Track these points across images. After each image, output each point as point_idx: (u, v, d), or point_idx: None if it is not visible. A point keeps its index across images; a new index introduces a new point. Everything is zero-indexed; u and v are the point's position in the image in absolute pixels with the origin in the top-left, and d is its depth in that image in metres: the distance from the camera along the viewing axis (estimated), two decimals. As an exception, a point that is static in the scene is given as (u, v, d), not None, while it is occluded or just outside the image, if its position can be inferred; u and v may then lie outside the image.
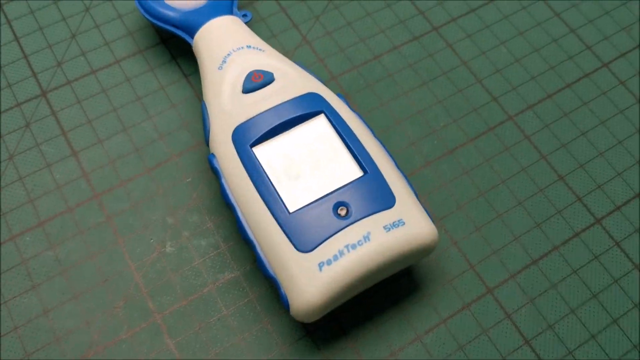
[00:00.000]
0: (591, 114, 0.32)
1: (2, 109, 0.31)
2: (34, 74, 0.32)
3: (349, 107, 0.28)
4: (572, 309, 0.27)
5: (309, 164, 0.26)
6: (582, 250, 0.29)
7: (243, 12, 0.31)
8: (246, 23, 0.30)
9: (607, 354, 0.26)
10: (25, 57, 0.32)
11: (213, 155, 0.27)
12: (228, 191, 0.26)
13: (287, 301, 0.24)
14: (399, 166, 0.27)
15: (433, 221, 0.28)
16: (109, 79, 0.32)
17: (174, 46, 0.33)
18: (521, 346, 0.26)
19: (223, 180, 0.26)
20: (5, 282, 0.27)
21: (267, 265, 0.24)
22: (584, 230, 0.29)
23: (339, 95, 0.28)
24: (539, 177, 0.30)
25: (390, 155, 0.27)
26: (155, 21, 0.30)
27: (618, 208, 0.30)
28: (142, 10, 0.31)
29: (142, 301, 0.27)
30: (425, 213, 0.25)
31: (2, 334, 0.26)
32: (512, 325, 0.27)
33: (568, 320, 0.27)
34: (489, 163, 0.31)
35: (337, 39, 0.33)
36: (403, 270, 0.28)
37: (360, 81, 0.32)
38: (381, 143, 0.27)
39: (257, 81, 0.27)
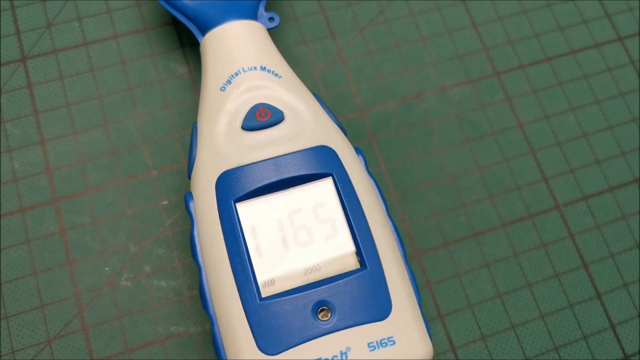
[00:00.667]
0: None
1: (-27, 68, 0.26)
2: (18, 32, 0.27)
3: (366, 168, 0.23)
4: None
5: (300, 237, 0.21)
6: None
7: (270, 14, 0.25)
8: (271, 29, 0.25)
9: None
10: (13, 8, 0.27)
11: (190, 195, 0.22)
12: (197, 247, 0.21)
13: None
14: (406, 257, 0.22)
15: (430, 328, 0.24)
16: (102, 56, 0.27)
17: (187, 32, 0.28)
18: None
19: (195, 231, 0.21)
20: None
21: (222, 352, 0.20)
22: (608, 367, 0.24)
23: (357, 149, 0.23)
24: (573, 290, 0.25)
25: (400, 242, 0.22)
26: (164, 4, 0.25)
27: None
28: None
29: (80, 341, 0.23)
30: (424, 328, 0.21)
31: None
32: None
33: None
34: (518, 258, 0.26)
35: (379, 61, 0.28)
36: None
37: (392, 122, 0.27)
38: (393, 224, 0.22)
39: (262, 119, 0.22)
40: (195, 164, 0.22)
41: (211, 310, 0.21)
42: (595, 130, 0.28)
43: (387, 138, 0.27)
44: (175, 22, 0.28)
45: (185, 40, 0.27)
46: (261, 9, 0.25)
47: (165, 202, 0.25)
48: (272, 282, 0.21)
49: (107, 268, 0.24)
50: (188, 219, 0.25)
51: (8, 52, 0.27)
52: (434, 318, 0.24)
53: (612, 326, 0.25)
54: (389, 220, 0.22)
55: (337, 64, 0.28)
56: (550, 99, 0.28)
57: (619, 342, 0.25)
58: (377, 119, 0.27)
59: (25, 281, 0.24)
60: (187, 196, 0.22)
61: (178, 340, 0.23)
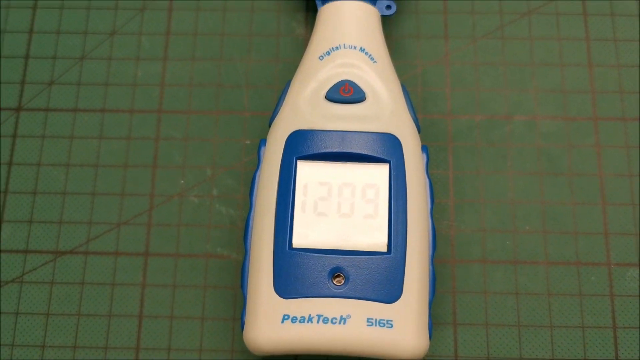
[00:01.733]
0: None
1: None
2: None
3: (426, 166, 0.24)
4: None
5: (343, 208, 0.23)
6: None
7: (389, 2, 0.27)
8: (387, 15, 0.27)
9: None
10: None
11: (264, 141, 0.25)
12: (255, 186, 0.24)
13: (243, 324, 0.23)
14: (433, 257, 0.23)
15: (432, 331, 0.25)
16: None
17: (315, -3, 0.30)
18: None
19: (257, 173, 0.24)
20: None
21: (245, 283, 0.23)
22: None
23: (424, 147, 0.24)
24: (594, 347, 0.25)
25: (433, 243, 0.23)
26: None
27: None
28: None
29: (141, 233, 0.27)
30: (425, 325, 0.22)
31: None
32: None
33: None
34: (550, 298, 0.26)
35: (481, 73, 0.29)
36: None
37: (474, 133, 0.28)
38: (432, 224, 0.23)
39: (345, 94, 0.24)
40: (276, 117, 0.25)
41: (248, 244, 0.23)
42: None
43: (464, 147, 0.28)
44: (308, -14, 0.30)
45: (311, 5, 0.30)
46: None
47: (247, 142, 0.28)
48: (305, 236, 0.23)
49: (182, 181, 0.27)
50: (261, 162, 0.28)
51: (162, -24, 0.30)
52: (447, 323, 0.26)
53: (622, 395, 0.25)
54: (430, 220, 0.23)
55: (440, 65, 0.29)
56: (641, 159, 0.27)
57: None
58: (460, 126, 0.28)
59: (114, 170, 0.28)
60: (262, 142, 0.25)
61: (219, 262, 0.26)
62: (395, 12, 0.28)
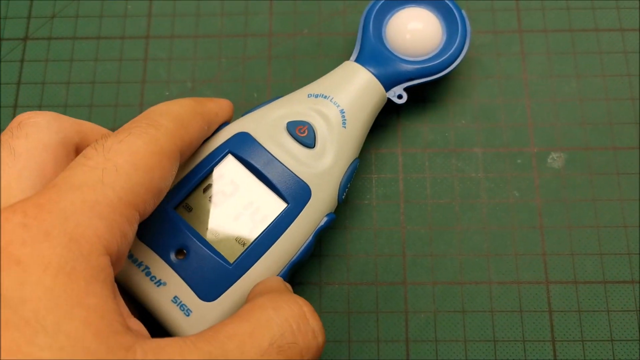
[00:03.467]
0: None
1: None
2: None
3: (317, 230, 0.26)
4: None
5: (230, 210, 0.25)
6: None
7: (401, 93, 0.29)
8: (397, 104, 0.30)
9: None
10: None
11: (227, 123, 0.27)
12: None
13: None
14: (287, 273, 0.25)
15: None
16: None
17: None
18: None
19: (207, 140, 0.26)
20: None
21: None
22: None
23: (330, 216, 0.26)
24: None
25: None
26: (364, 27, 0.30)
27: None
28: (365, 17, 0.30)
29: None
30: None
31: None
32: None
33: None
34: (493, 315, 0.30)
35: None
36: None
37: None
38: (285, 272, 0.25)
39: (300, 134, 0.26)
40: (248, 114, 0.27)
41: None
42: None
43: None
44: None
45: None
46: (404, 84, 0.29)
47: (222, 60, 0.32)
48: (189, 208, 0.25)
49: (167, 93, 0.32)
50: (235, 75, 0.32)
51: None
52: (401, 340, 0.29)
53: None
54: (285, 270, 0.25)
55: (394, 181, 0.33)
56: None
57: None
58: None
59: (109, 86, 0.32)
60: (226, 123, 0.27)
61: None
62: (405, 102, 0.29)
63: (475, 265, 0.29)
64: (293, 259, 0.25)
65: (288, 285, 0.24)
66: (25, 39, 0.33)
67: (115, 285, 0.20)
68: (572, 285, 0.29)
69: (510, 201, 0.30)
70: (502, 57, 0.32)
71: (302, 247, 0.25)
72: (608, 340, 0.28)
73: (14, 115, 0.31)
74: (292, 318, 0.20)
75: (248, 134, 0.26)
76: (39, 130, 0.22)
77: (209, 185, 0.26)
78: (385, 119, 0.31)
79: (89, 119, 0.31)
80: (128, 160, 0.20)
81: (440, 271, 0.29)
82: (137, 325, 0.20)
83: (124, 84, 0.32)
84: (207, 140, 0.26)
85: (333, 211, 0.27)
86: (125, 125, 0.22)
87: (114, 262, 0.19)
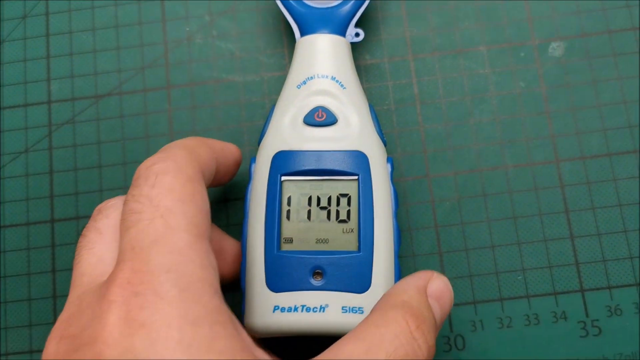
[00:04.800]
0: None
1: None
2: None
3: (391, 176, 0.28)
4: None
5: (321, 215, 0.27)
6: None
7: (358, 30, 0.31)
8: (355, 42, 0.31)
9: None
10: None
11: (254, 159, 0.29)
12: (248, 198, 0.28)
13: (243, 312, 0.27)
14: (398, 253, 0.28)
15: None
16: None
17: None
18: None
19: (249, 187, 0.28)
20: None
21: (243, 278, 0.27)
22: None
23: (389, 159, 0.29)
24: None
25: (398, 240, 0.28)
26: (280, 4, 0.31)
27: None
28: None
29: (161, 74, 0.33)
30: None
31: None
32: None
33: None
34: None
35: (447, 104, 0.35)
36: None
37: (445, 141, 0.34)
38: (396, 225, 0.28)
39: (319, 119, 0.28)
40: (263, 139, 0.29)
41: (244, 244, 0.28)
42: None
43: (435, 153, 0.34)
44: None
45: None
46: (351, 26, 0.30)
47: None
48: (290, 240, 0.27)
49: (188, 29, 0.34)
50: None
51: None
52: None
53: None
54: (394, 222, 0.28)
55: (409, 85, 0.33)
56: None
57: None
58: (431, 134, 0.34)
59: (131, 28, 0.34)
60: (252, 159, 0.29)
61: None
62: (363, 39, 0.31)
63: (491, 152, 0.32)
64: (394, 210, 0.28)
65: (422, 285, 0.25)
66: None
67: (235, 318, 0.21)
68: (579, 161, 0.31)
69: (517, 92, 0.32)
70: (497, -42, 0.34)
71: (393, 197, 0.28)
72: (616, 206, 0.31)
73: (48, 67, 0.33)
74: (402, 334, 0.22)
75: (281, 151, 0.28)
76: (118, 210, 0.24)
77: (289, 211, 0.27)
78: (395, 31, 0.33)
79: (118, 61, 0.33)
80: (173, 198, 0.21)
81: (460, 162, 0.32)
82: (262, 354, 0.22)
83: (145, 24, 0.34)
84: (254, 187, 0.28)
85: (387, 155, 0.29)
86: (142, 168, 0.23)
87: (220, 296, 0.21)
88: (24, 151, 0.33)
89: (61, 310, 0.25)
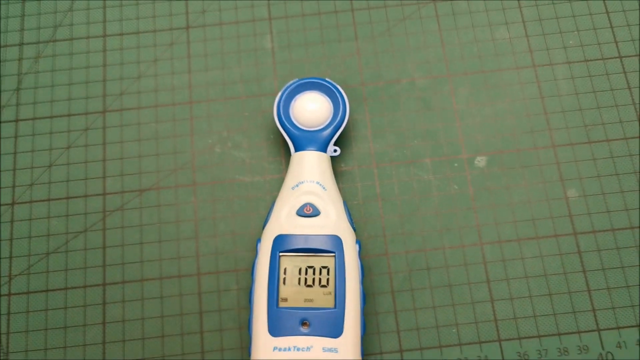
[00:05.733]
0: None
1: None
2: None
3: (359, 254, 0.36)
4: None
5: (308, 281, 0.35)
6: None
7: (335, 147, 0.39)
8: (334, 156, 0.40)
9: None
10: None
11: (259, 240, 0.36)
12: (255, 268, 0.35)
13: (250, 352, 0.34)
14: (363, 311, 0.35)
15: (363, 355, 0.36)
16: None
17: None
18: None
19: (256, 261, 0.36)
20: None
21: (251, 326, 0.34)
22: None
23: (357, 242, 0.36)
24: (460, 202, 0.44)
25: (364, 301, 0.35)
26: (281, 127, 0.40)
27: None
28: (276, 113, 0.40)
29: (190, 172, 0.44)
30: (359, 351, 0.34)
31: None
32: None
33: None
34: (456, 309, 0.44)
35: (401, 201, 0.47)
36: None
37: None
38: (362, 290, 0.35)
39: (307, 212, 0.36)
40: (267, 225, 0.36)
41: (252, 304, 0.35)
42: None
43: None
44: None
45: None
46: (330, 145, 0.39)
47: (246, 114, 0.46)
48: (285, 299, 0.35)
49: (210, 141, 0.45)
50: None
51: None
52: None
53: None
54: (361, 287, 0.35)
55: (373, 186, 0.42)
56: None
57: None
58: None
59: (167, 140, 0.45)
60: (258, 240, 0.36)
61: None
62: (339, 154, 0.41)
63: (433, 237, 0.41)
64: (360, 279, 0.35)
65: None
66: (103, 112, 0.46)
67: None
68: (497, 244, 0.42)
69: (452, 192, 0.41)
70: (437, 95, 0.46)
71: (360, 269, 0.35)
72: (524, 278, 0.42)
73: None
74: None
75: (279, 235, 0.35)
76: None
77: (284, 278, 0.35)
78: (363, 147, 0.45)
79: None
80: None
81: (410, 244, 0.41)
82: None
83: (176, 137, 0.45)
84: (259, 260, 0.35)
85: (356, 238, 0.37)
86: None
87: None
88: (83, 231, 0.43)
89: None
